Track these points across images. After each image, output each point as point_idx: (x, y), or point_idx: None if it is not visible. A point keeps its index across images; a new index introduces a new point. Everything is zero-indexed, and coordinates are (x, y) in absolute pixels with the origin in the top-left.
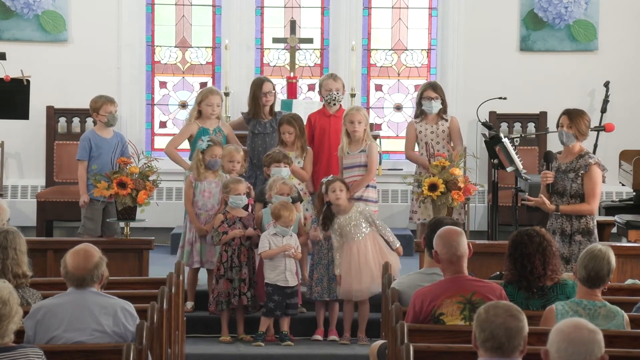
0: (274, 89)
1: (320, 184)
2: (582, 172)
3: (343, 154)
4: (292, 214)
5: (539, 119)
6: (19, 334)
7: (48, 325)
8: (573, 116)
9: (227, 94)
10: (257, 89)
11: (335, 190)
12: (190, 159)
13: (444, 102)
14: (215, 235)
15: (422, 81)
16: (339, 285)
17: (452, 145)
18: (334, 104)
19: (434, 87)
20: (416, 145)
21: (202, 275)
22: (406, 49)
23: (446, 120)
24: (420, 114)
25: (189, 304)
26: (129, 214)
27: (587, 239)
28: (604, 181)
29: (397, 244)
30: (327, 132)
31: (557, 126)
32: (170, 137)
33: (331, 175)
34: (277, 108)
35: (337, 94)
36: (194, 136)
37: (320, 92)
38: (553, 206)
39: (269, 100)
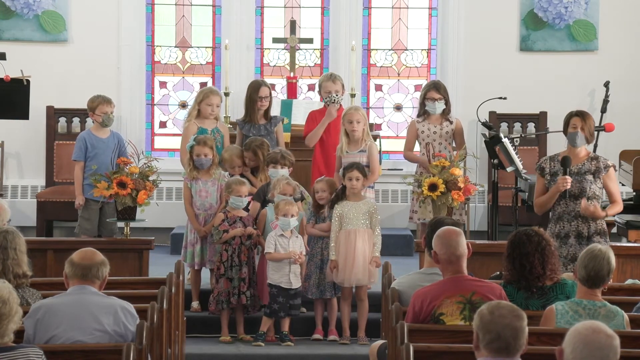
0: (270, 94)
1: (315, 183)
2: (602, 174)
3: (342, 154)
4: (292, 204)
5: (539, 119)
6: (19, 334)
7: (48, 324)
8: (586, 118)
9: (227, 94)
10: (254, 92)
11: (352, 179)
12: None
13: (447, 103)
14: (215, 233)
15: (422, 81)
16: (335, 271)
17: (453, 147)
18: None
19: (437, 87)
20: (416, 144)
21: (206, 274)
22: (406, 49)
23: (450, 122)
24: (424, 113)
25: (195, 304)
26: (129, 214)
27: (605, 240)
28: None
29: (378, 254)
30: (327, 131)
31: (566, 127)
32: (169, 137)
33: (322, 176)
34: (275, 112)
35: (337, 95)
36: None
37: (319, 93)
38: (604, 213)
39: (264, 105)
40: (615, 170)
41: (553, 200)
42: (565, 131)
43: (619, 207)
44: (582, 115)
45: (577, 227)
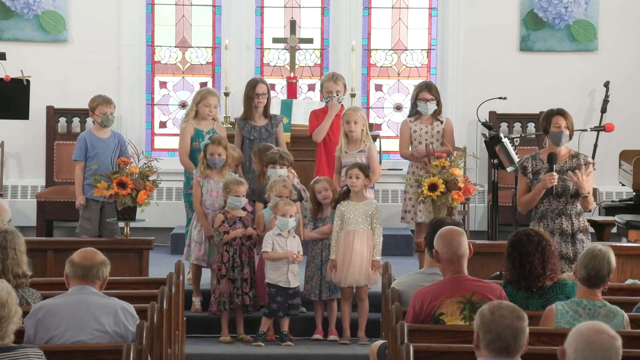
0: (268, 92)
1: (315, 184)
2: (582, 170)
3: (341, 154)
4: (291, 205)
5: (539, 119)
6: (19, 334)
7: (49, 324)
8: (567, 116)
9: (227, 94)
10: (251, 89)
11: (352, 176)
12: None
13: (439, 103)
14: (216, 235)
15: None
16: (334, 270)
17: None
18: None
19: (429, 88)
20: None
21: (205, 274)
22: (406, 49)
23: (441, 122)
24: (415, 113)
25: (196, 301)
26: (129, 214)
27: (587, 237)
28: None
29: (378, 257)
30: (332, 131)
31: (547, 125)
32: (169, 137)
33: (317, 176)
34: (273, 110)
35: (337, 95)
36: (190, 137)
37: (321, 92)
38: (586, 190)
39: (261, 102)
40: (594, 170)
41: (538, 197)
42: (545, 130)
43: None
44: (563, 113)
45: (561, 225)
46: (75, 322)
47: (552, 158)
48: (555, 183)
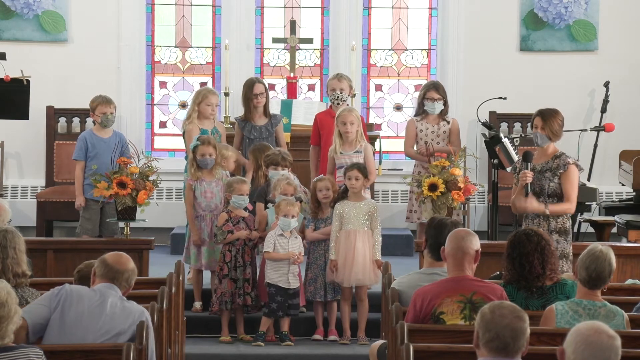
0: (266, 91)
1: (318, 182)
2: (560, 171)
3: (335, 155)
4: (294, 205)
5: None
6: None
7: (69, 307)
8: (546, 117)
9: (227, 94)
10: (249, 90)
11: (352, 178)
12: (186, 159)
13: (446, 103)
14: (219, 233)
15: (422, 81)
16: (335, 271)
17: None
18: (339, 104)
19: (436, 87)
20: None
21: (205, 275)
22: (406, 49)
23: (447, 122)
24: (422, 112)
25: (197, 304)
26: (129, 214)
27: (564, 238)
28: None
29: (378, 256)
30: (320, 134)
31: (532, 127)
32: (169, 137)
33: (320, 175)
34: (273, 110)
35: (341, 93)
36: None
37: (327, 92)
38: (542, 207)
39: (260, 102)
40: (581, 170)
41: (520, 197)
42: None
43: (568, 205)
44: (542, 114)
45: (539, 225)
46: (93, 317)
47: (526, 156)
48: (528, 181)
